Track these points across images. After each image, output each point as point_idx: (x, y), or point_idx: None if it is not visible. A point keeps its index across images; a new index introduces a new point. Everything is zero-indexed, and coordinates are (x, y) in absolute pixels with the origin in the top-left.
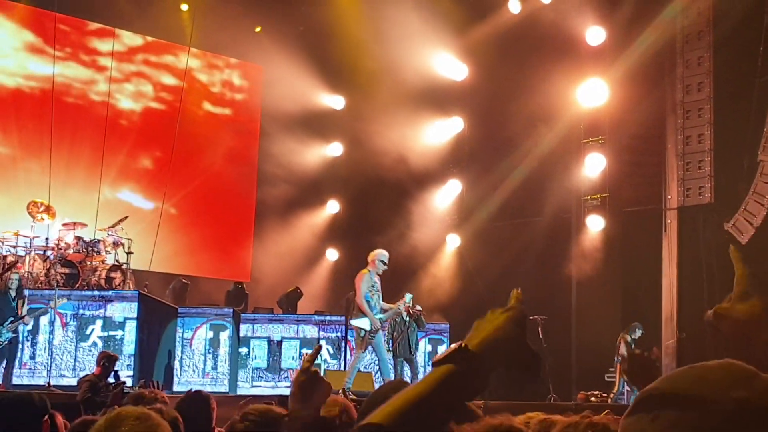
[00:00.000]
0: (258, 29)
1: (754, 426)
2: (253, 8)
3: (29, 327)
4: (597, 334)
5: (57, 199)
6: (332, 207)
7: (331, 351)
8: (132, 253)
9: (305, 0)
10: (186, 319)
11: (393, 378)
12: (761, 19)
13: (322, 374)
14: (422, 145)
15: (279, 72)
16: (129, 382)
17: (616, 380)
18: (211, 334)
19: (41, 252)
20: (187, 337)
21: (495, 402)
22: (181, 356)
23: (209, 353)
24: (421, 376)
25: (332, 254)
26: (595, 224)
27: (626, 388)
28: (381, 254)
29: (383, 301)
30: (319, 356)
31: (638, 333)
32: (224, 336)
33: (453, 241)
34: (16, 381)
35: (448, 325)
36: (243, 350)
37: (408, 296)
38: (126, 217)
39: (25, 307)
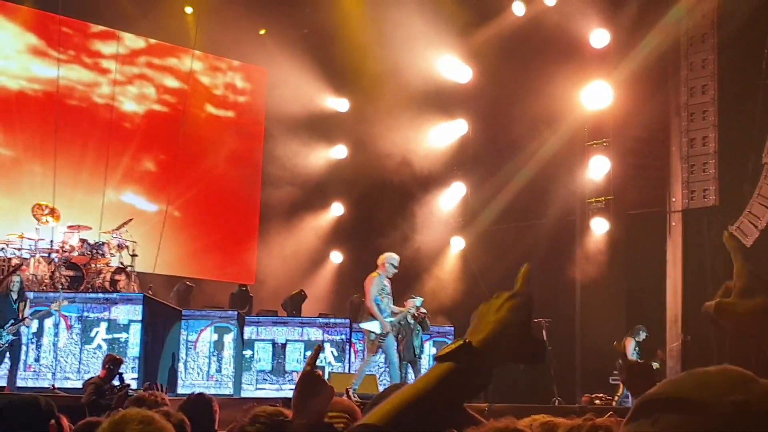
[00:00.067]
0: (263, 32)
1: (752, 428)
2: (257, 11)
3: (34, 330)
4: (601, 337)
5: (61, 201)
6: (336, 209)
7: (336, 354)
8: (136, 255)
9: (309, 3)
10: (190, 321)
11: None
12: (766, 21)
13: (326, 377)
14: (426, 148)
15: (283, 74)
16: (133, 385)
17: (620, 383)
18: (215, 336)
19: (46, 254)
20: (191, 339)
21: (499, 405)
22: (186, 359)
23: (213, 356)
24: None
25: (336, 257)
26: (599, 227)
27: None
28: (391, 257)
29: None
30: (323, 359)
31: (642, 336)
32: (228, 338)
33: (457, 244)
34: (20, 383)
35: (452, 328)
36: (247, 353)
37: (418, 300)
38: (130, 220)
39: (27, 310)
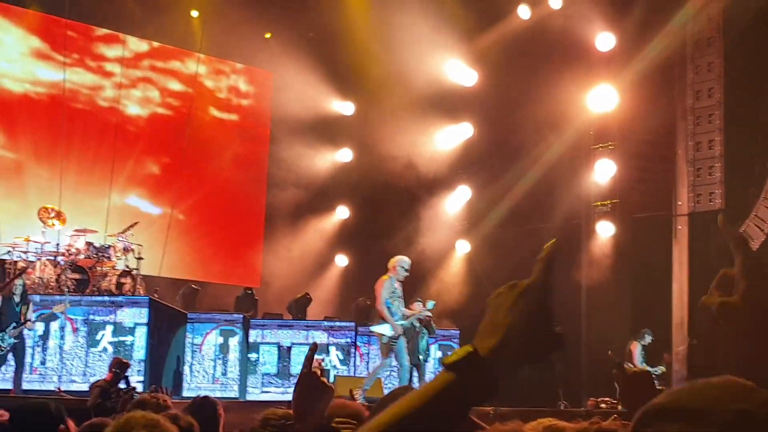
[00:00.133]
0: (268, 35)
1: None
2: (262, 14)
3: (40, 333)
4: (607, 341)
5: (67, 204)
6: (342, 212)
7: (341, 357)
8: (142, 258)
9: (315, 6)
10: (196, 324)
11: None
12: None
13: (332, 380)
14: (432, 151)
15: (289, 78)
16: (139, 388)
17: None
18: (220, 339)
19: (52, 258)
20: (196, 342)
21: (505, 408)
22: (191, 362)
23: (219, 359)
24: None
25: (342, 260)
26: (604, 230)
27: None
28: (402, 260)
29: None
30: (328, 362)
31: (648, 340)
32: (234, 342)
33: (462, 247)
34: (26, 386)
35: (458, 331)
36: (253, 356)
37: (430, 303)
38: (136, 223)
39: (30, 313)
